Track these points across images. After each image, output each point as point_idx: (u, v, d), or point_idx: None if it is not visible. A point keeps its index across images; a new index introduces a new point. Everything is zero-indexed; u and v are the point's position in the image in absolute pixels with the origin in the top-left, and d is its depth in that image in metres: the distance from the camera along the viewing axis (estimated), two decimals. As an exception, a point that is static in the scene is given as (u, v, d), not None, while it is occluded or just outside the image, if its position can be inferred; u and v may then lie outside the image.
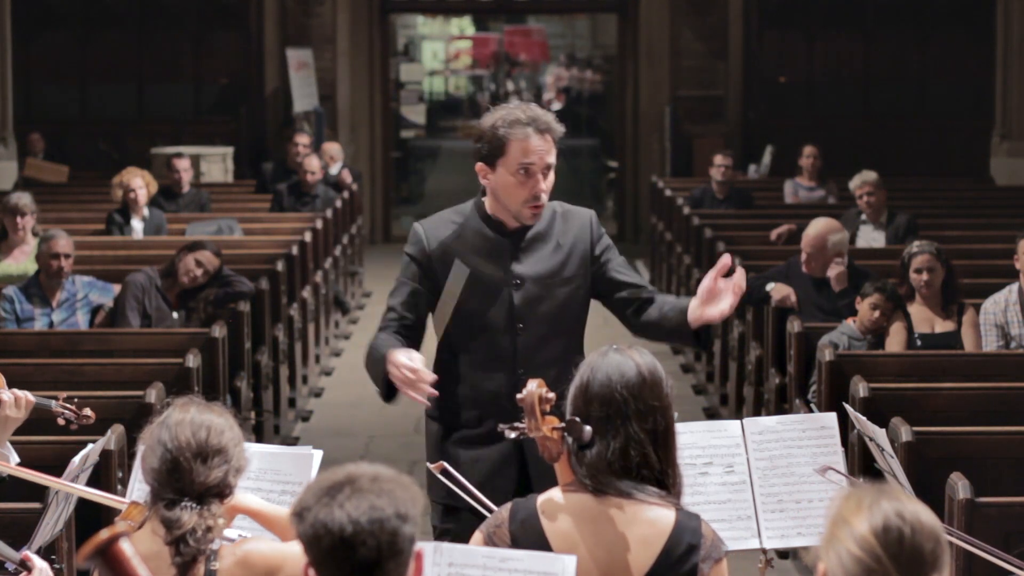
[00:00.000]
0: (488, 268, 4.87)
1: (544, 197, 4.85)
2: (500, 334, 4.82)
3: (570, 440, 3.59)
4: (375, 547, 2.67)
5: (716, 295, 4.68)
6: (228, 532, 3.82)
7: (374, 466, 2.77)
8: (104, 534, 2.57)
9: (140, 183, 11.36)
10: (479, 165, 4.87)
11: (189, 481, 3.57)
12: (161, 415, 3.71)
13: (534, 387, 3.69)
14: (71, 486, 4.88)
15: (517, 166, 4.80)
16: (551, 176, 4.88)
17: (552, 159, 4.85)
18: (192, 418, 3.65)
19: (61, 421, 5.20)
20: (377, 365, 4.78)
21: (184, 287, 8.99)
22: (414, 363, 4.64)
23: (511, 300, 4.84)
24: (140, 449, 3.74)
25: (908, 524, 2.55)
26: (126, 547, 2.57)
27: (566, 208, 5.03)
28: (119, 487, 5.99)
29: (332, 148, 15.65)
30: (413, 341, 4.90)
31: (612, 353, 3.63)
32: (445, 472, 4.43)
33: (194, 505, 3.56)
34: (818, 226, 8.93)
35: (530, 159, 4.79)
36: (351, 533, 2.66)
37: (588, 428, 3.55)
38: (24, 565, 4.03)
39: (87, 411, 5.13)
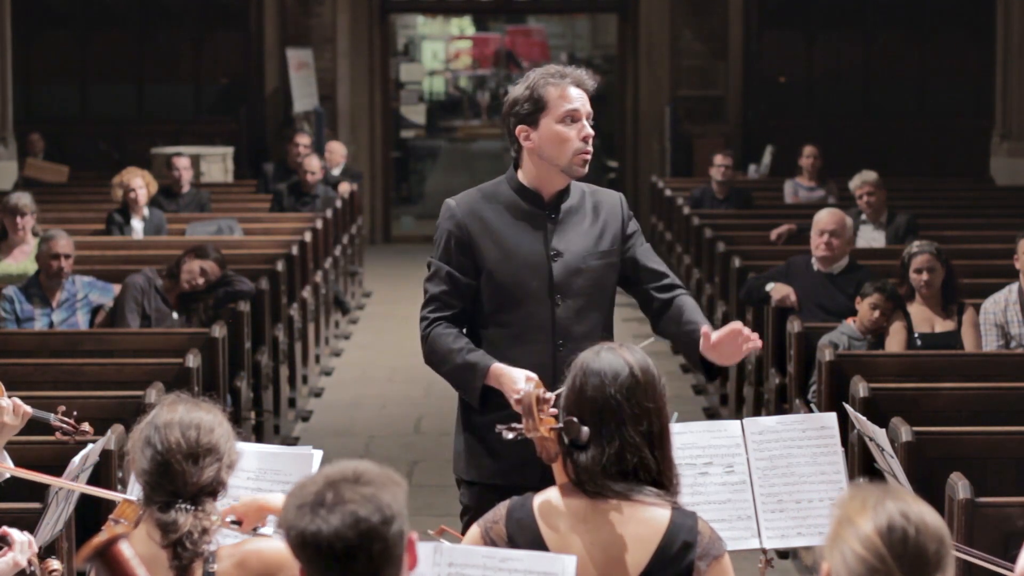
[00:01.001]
0: (526, 239, 4.87)
1: (590, 145, 4.87)
2: (539, 305, 4.81)
3: (567, 441, 3.58)
4: (367, 556, 2.67)
5: (723, 348, 4.67)
6: (264, 530, 3.81)
7: (352, 465, 2.74)
8: (103, 536, 2.56)
9: (140, 183, 11.36)
10: (520, 128, 4.85)
11: (182, 483, 3.53)
12: (148, 415, 3.66)
13: (531, 387, 3.69)
14: (87, 488, 4.88)
15: (563, 113, 4.81)
16: (591, 131, 4.89)
17: (590, 110, 4.87)
18: (180, 418, 3.59)
19: (59, 435, 5.19)
20: (465, 373, 4.75)
21: (183, 291, 8.99)
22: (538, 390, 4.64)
23: (550, 272, 4.84)
24: (129, 450, 3.70)
25: (913, 524, 2.55)
26: (125, 549, 2.57)
27: (594, 188, 5.06)
28: (119, 487, 5.98)
29: (336, 148, 15.63)
30: (464, 326, 4.87)
31: (605, 353, 3.62)
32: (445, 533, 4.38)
33: (189, 506, 3.52)
34: (829, 210, 9.04)
35: (574, 104, 4.81)
36: (341, 548, 2.65)
37: (585, 428, 3.55)
38: (3, 540, 4.02)
39: (85, 425, 5.12)
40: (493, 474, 4.83)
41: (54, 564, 4.24)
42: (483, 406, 4.76)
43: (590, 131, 4.86)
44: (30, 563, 4.12)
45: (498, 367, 4.71)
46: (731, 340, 4.64)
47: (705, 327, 4.75)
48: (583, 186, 5.02)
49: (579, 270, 4.87)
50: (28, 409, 4.97)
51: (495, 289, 4.86)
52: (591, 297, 4.86)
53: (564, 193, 4.93)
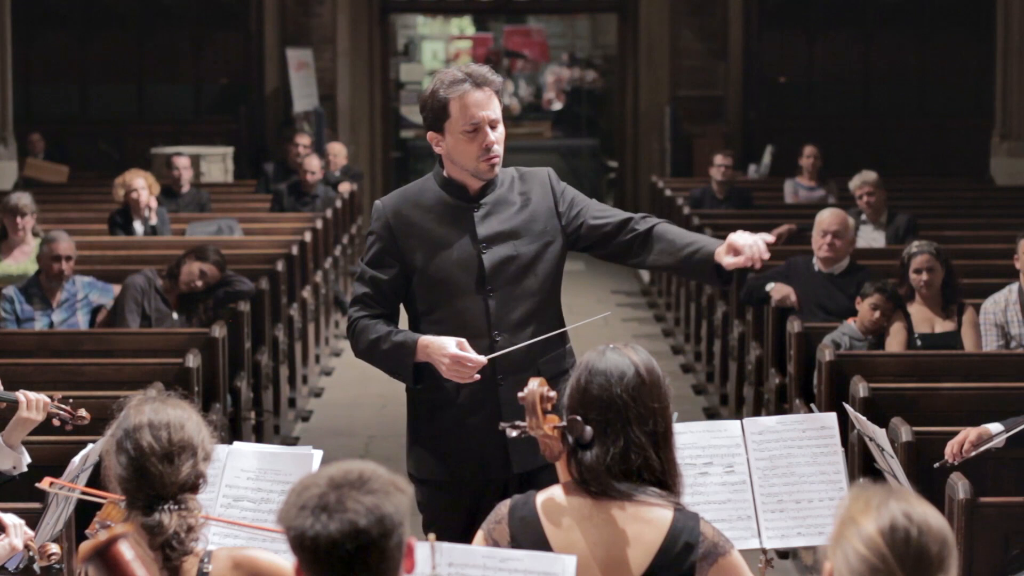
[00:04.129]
0: (453, 234, 4.88)
1: (498, 148, 4.86)
2: (471, 299, 4.80)
3: (571, 439, 3.58)
4: (364, 566, 2.66)
5: (741, 240, 4.70)
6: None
7: (358, 468, 2.73)
8: (102, 536, 2.56)
9: (142, 184, 11.33)
10: (430, 135, 4.90)
11: (161, 484, 3.50)
12: (116, 419, 3.64)
13: (535, 386, 3.68)
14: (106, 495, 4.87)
15: (463, 126, 4.81)
16: (500, 128, 4.88)
17: (495, 112, 4.84)
18: (149, 420, 3.55)
19: (56, 422, 5.20)
20: (395, 354, 4.81)
21: (182, 292, 8.99)
22: (469, 353, 4.71)
23: (480, 263, 4.83)
24: (103, 457, 3.67)
25: (915, 525, 2.56)
26: (125, 549, 2.56)
27: (524, 170, 5.04)
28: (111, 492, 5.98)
29: (337, 150, 15.62)
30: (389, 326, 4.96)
31: (610, 352, 3.61)
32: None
33: (172, 506, 3.50)
34: (832, 210, 9.04)
35: (474, 117, 4.80)
36: (338, 557, 2.65)
37: (589, 428, 3.55)
38: None
39: (82, 411, 5.12)
40: (434, 471, 4.90)
41: (52, 548, 4.25)
42: (416, 383, 4.83)
43: (492, 139, 4.83)
44: (28, 547, 4.12)
45: (425, 339, 4.77)
46: (748, 236, 4.68)
47: (708, 240, 4.83)
48: (512, 171, 5.01)
49: (510, 257, 4.86)
50: (46, 399, 4.99)
51: (427, 287, 4.90)
52: (526, 284, 4.83)
53: (490, 183, 4.93)
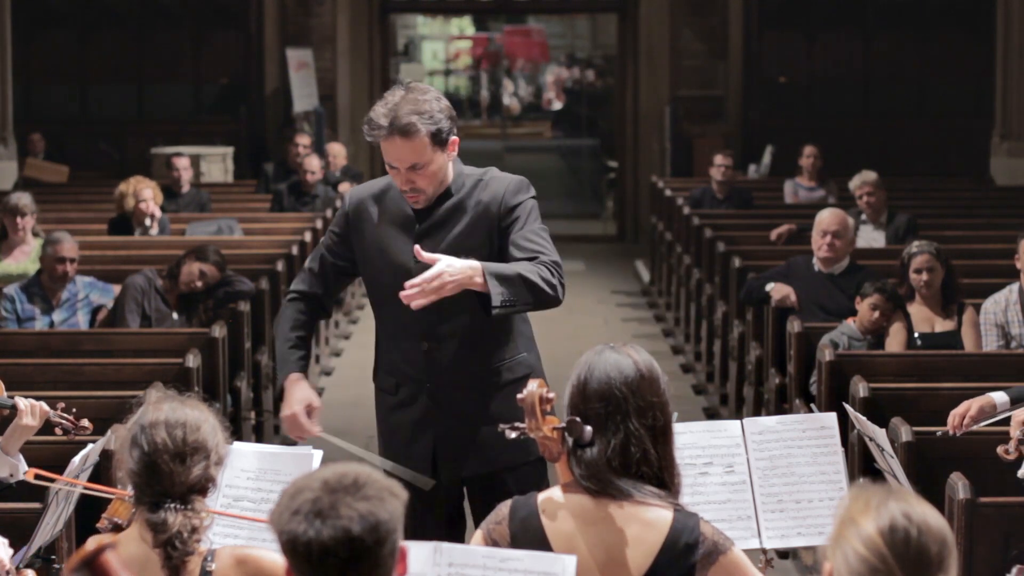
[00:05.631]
0: (398, 241, 4.90)
1: (415, 192, 4.84)
2: (404, 307, 4.73)
3: (570, 440, 3.59)
4: (356, 573, 2.65)
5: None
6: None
7: (354, 472, 2.71)
8: (90, 545, 2.56)
9: (150, 194, 11.27)
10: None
11: (170, 483, 3.52)
12: (135, 414, 3.66)
13: (534, 387, 3.69)
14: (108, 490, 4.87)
15: (386, 160, 4.87)
16: (428, 169, 4.81)
17: (415, 158, 4.79)
18: (166, 417, 3.58)
19: (59, 431, 5.19)
20: (279, 363, 5.02)
21: (182, 292, 8.98)
22: (303, 422, 4.88)
23: (412, 273, 4.73)
24: (116, 451, 3.69)
25: (915, 525, 2.56)
26: (112, 559, 2.55)
27: (494, 176, 4.97)
28: (119, 487, 5.98)
29: (338, 151, 15.62)
30: (319, 311, 5.12)
31: (608, 351, 3.64)
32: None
33: (178, 506, 3.51)
34: (832, 211, 9.03)
35: (391, 161, 4.84)
36: (331, 563, 2.64)
37: (588, 428, 3.56)
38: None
39: (84, 422, 5.12)
40: (387, 455, 4.99)
41: (29, 573, 4.25)
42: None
43: (407, 186, 4.83)
44: (7, 572, 4.11)
45: (292, 379, 4.96)
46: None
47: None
48: (479, 174, 4.96)
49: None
50: (45, 407, 4.99)
51: (369, 285, 5.05)
52: (458, 297, 4.66)
53: (446, 194, 4.91)
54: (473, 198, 4.90)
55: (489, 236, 4.86)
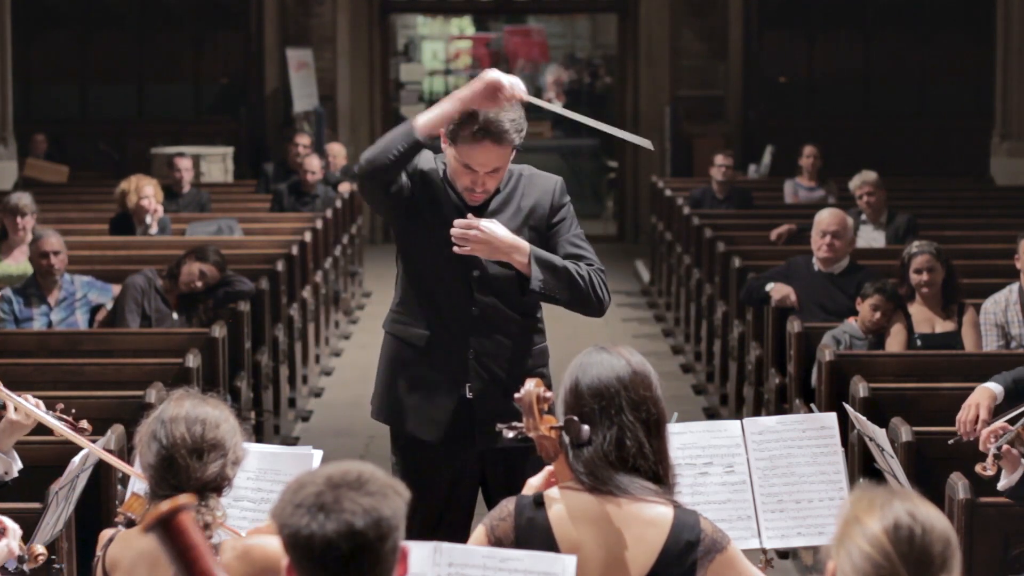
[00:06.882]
0: (447, 224, 4.91)
1: (486, 190, 4.93)
2: (457, 281, 4.93)
3: (567, 440, 3.60)
4: (358, 569, 2.64)
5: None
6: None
7: (357, 469, 2.72)
8: (165, 506, 2.56)
9: (151, 191, 11.28)
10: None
11: (186, 477, 3.56)
12: (156, 409, 3.69)
13: (531, 386, 3.70)
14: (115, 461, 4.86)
15: (462, 162, 4.89)
16: (501, 172, 4.94)
17: (499, 163, 4.90)
18: (187, 413, 3.62)
19: (57, 434, 5.18)
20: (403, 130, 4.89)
21: (182, 292, 8.98)
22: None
23: (467, 266, 4.93)
24: (136, 444, 3.73)
25: (919, 524, 2.58)
26: (187, 519, 2.56)
27: (533, 172, 5.11)
28: (119, 487, 5.99)
29: (338, 151, 15.62)
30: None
31: (599, 352, 3.68)
32: None
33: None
34: (831, 211, 9.04)
35: (472, 166, 4.88)
36: (332, 557, 2.63)
37: (586, 428, 3.57)
38: None
39: (84, 423, 5.12)
40: (392, 421, 5.12)
41: (39, 548, 4.26)
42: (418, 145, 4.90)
43: (477, 187, 4.91)
44: (19, 548, 4.13)
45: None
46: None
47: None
48: (522, 168, 5.10)
49: (498, 267, 4.93)
50: (39, 410, 4.97)
51: (409, 249, 5.04)
52: (509, 286, 4.93)
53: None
54: (519, 192, 5.02)
55: (540, 232, 5.00)
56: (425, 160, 5.02)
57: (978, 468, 5.22)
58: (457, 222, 4.80)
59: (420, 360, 5.02)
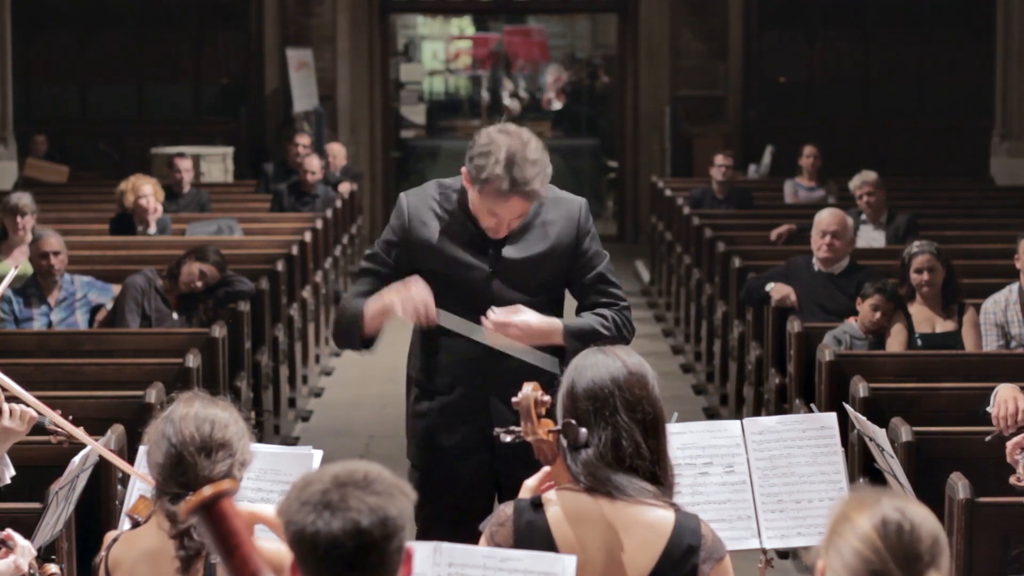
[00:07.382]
0: (468, 256, 4.91)
1: (506, 230, 4.91)
2: (477, 314, 4.86)
3: (565, 443, 3.60)
4: (363, 568, 2.64)
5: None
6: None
7: (364, 468, 2.71)
8: (208, 490, 2.56)
9: (150, 190, 11.27)
10: (464, 169, 4.89)
11: (193, 475, 3.57)
12: (166, 409, 3.71)
13: (529, 390, 3.70)
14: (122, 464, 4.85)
15: (488, 208, 4.86)
16: (525, 214, 4.93)
17: (524, 211, 4.88)
18: (196, 412, 3.64)
19: (55, 440, 5.18)
20: (351, 321, 4.95)
21: (182, 292, 8.98)
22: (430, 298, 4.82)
23: (489, 287, 4.91)
24: (145, 444, 3.74)
25: (908, 520, 2.61)
26: (229, 505, 2.56)
27: (557, 195, 5.03)
28: (119, 487, 5.98)
29: (338, 151, 15.61)
30: None
31: (596, 354, 3.67)
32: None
33: None
34: (831, 211, 9.03)
35: (498, 214, 4.85)
36: (337, 555, 2.63)
37: (583, 431, 3.57)
38: (4, 544, 4.03)
39: (80, 430, 5.11)
40: (418, 457, 5.02)
41: (52, 568, 4.25)
42: (368, 347, 4.97)
43: (501, 230, 4.88)
44: (30, 566, 4.13)
45: (380, 295, 4.89)
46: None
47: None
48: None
49: (518, 283, 4.93)
50: (33, 414, 4.97)
51: (437, 297, 4.91)
52: (531, 305, 4.91)
53: None
54: (541, 216, 4.97)
55: (566, 257, 4.97)
56: (424, 208, 4.97)
57: (1012, 480, 5.22)
58: (492, 319, 4.78)
59: (446, 404, 5.01)
